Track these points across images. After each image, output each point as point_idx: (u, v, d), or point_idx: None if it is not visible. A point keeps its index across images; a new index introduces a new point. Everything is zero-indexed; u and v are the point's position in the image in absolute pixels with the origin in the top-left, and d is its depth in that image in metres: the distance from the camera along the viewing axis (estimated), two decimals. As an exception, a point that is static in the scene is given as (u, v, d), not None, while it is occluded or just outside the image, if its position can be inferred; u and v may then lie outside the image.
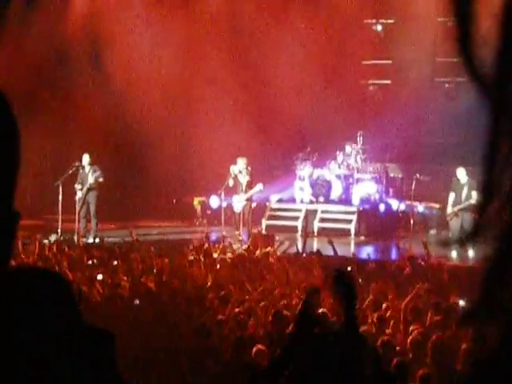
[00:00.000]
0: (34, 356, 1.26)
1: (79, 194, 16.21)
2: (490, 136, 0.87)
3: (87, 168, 16.27)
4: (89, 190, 16.21)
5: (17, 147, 1.37)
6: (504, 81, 0.87)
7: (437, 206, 18.51)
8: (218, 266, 9.42)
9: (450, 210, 15.29)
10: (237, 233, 16.13)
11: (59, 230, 15.76)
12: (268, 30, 21.97)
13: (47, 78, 20.53)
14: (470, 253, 13.98)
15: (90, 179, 16.16)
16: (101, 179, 16.24)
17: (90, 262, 9.36)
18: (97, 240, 15.62)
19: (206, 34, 22.13)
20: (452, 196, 15.41)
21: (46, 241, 13.05)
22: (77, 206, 16.21)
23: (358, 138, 19.83)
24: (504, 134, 0.87)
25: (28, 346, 1.26)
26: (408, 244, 14.02)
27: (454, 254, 14.67)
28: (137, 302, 7.85)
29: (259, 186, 16.32)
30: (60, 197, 16.04)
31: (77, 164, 16.33)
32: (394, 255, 13.95)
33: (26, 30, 20.57)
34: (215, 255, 10.56)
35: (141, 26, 21.89)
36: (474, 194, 14.97)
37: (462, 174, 15.29)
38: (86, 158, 16.31)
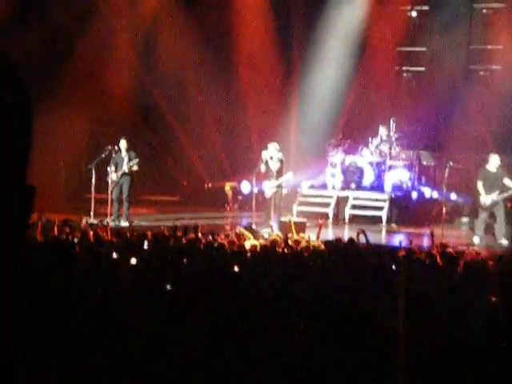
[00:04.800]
0: None
1: (113, 177, 16.24)
2: None
3: (124, 153, 16.32)
4: (124, 174, 16.27)
5: (29, 124, 1.37)
6: None
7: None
8: (249, 254, 9.42)
9: (487, 199, 15.00)
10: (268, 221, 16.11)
11: (92, 213, 15.87)
12: (307, 14, 21.93)
13: (78, 60, 20.50)
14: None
15: (126, 166, 16.21)
16: (135, 167, 16.28)
17: (122, 246, 9.43)
18: (128, 223, 15.70)
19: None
20: (481, 184, 15.14)
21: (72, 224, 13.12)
22: (109, 189, 16.28)
23: (391, 125, 19.74)
24: None
25: None
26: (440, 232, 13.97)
27: (476, 240, 14.73)
28: (168, 287, 7.89)
29: (289, 175, 16.27)
30: (93, 180, 16.15)
31: (109, 148, 16.38)
32: (426, 243, 13.88)
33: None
34: (247, 243, 10.58)
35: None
36: (509, 182, 14.83)
37: (495, 161, 15.09)
38: (123, 143, 16.35)
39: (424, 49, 21.70)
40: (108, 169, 16.26)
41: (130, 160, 16.26)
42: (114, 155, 16.30)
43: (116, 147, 16.38)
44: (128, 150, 16.34)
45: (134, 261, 8.17)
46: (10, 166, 1.34)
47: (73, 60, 20.22)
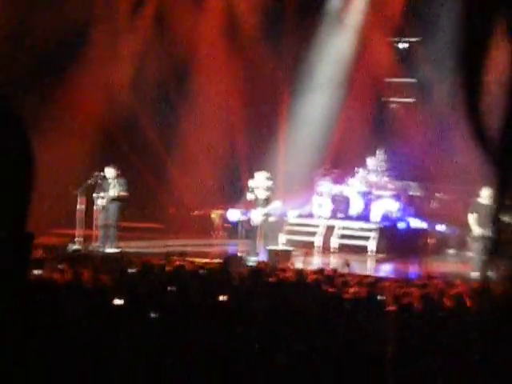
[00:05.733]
0: None
1: (99, 203, 16.10)
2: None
3: (111, 180, 16.15)
4: (111, 200, 16.11)
5: (31, 171, 1.33)
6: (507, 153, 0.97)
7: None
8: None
9: (477, 231, 14.90)
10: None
11: (77, 239, 15.72)
12: (289, 49, 22.02)
13: (66, 86, 20.41)
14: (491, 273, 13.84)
15: (113, 192, 16.03)
16: (125, 193, 16.11)
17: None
18: (115, 250, 15.57)
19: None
20: (473, 217, 15.06)
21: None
22: (95, 215, 16.14)
23: (379, 155, 19.77)
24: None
25: None
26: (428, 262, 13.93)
27: (474, 274, 14.51)
28: (153, 314, 7.77)
29: (277, 203, 16.24)
30: (78, 206, 16.00)
31: (96, 174, 16.24)
32: (414, 274, 13.84)
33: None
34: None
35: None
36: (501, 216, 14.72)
37: (486, 194, 15.05)
38: (110, 172, 16.19)
39: (413, 80, 21.81)
40: (94, 195, 16.12)
41: (119, 186, 16.10)
42: (100, 181, 16.15)
43: (102, 173, 16.25)
44: (117, 177, 16.19)
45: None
46: (9, 211, 1.31)
47: (61, 86, 20.17)
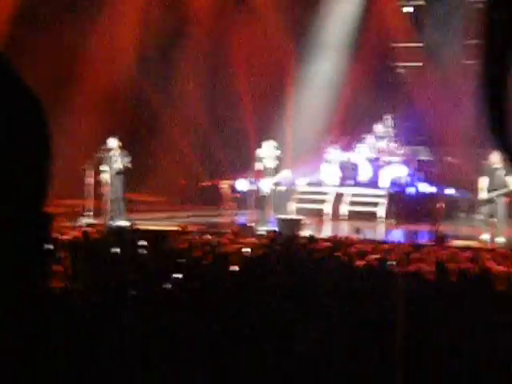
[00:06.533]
0: None
1: (105, 177, 16.04)
2: None
3: (115, 152, 16.11)
4: (117, 173, 16.06)
5: (49, 149, 1.31)
6: None
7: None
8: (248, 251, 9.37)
9: (485, 195, 14.77)
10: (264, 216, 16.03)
11: (87, 213, 15.72)
12: (295, 15, 21.89)
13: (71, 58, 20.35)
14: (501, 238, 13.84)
15: (119, 164, 15.99)
16: (129, 165, 16.05)
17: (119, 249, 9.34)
18: (126, 223, 15.54)
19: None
20: (484, 181, 14.90)
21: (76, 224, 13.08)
22: (102, 189, 16.08)
23: (388, 121, 19.69)
24: None
25: None
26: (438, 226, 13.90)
27: (485, 237, 14.43)
28: (169, 285, 7.81)
29: (286, 172, 16.22)
30: (87, 180, 15.98)
31: (104, 147, 16.21)
32: (426, 238, 13.82)
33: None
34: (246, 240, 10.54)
35: None
36: (509, 180, 14.59)
37: (495, 158, 14.90)
38: (113, 143, 16.14)
39: (420, 44, 21.65)
40: (100, 169, 16.06)
41: (122, 158, 16.04)
42: (105, 155, 16.10)
43: (108, 146, 16.18)
44: (120, 149, 16.13)
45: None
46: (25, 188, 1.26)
47: (64, 58, 20.12)
